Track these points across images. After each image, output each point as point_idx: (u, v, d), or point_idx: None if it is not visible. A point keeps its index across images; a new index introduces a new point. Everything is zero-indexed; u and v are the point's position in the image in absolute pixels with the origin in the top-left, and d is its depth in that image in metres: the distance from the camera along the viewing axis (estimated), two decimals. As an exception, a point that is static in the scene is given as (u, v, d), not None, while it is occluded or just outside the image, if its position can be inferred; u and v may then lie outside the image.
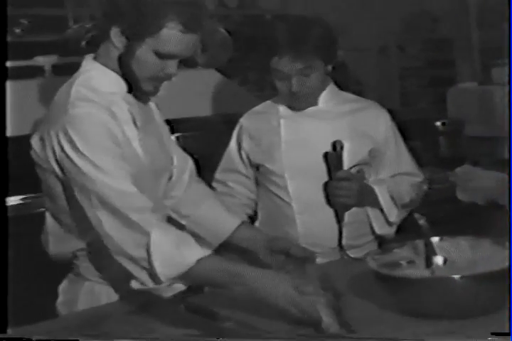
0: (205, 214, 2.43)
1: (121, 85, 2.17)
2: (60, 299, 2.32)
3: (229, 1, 5.85)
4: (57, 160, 2.06)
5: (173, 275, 1.93)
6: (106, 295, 2.25)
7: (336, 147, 2.53)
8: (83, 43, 4.19)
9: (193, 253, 1.93)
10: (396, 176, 2.70)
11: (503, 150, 5.29)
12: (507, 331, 1.71)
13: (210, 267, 1.94)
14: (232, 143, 2.77)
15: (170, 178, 2.38)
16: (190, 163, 2.48)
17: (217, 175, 2.79)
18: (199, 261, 1.92)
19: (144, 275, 1.95)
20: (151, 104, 2.35)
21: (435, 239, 2.08)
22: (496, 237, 2.09)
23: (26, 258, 2.58)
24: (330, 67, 2.59)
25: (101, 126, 2.03)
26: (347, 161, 2.56)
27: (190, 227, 2.42)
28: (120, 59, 2.12)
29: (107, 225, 1.98)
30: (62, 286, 2.32)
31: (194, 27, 2.08)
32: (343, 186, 2.53)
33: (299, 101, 2.62)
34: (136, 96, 2.20)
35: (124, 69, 2.13)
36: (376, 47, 7.63)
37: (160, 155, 2.28)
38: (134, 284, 1.99)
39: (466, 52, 6.53)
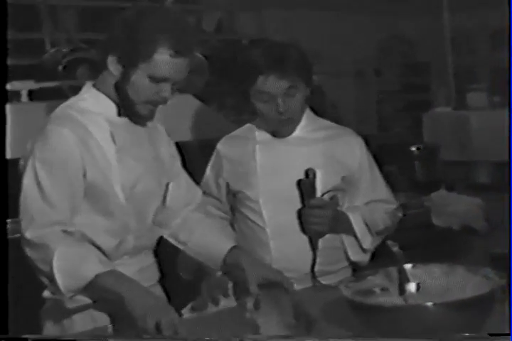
0: (200, 240, 2.46)
1: (110, 108, 2.28)
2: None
3: (206, 25, 5.88)
4: None
5: (73, 288, 2.08)
6: None
7: (309, 175, 2.54)
8: (60, 68, 4.22)
9: (92, 269, 2.06)
10: (371, 203, 2.71)
11: (478, 175, 5.33)
12: (507, 331, 1.72)
13: (106, 283, 2.06)
14: (208, 171, 2.78)
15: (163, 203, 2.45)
16: (198, 197, 2.56)
17: None
18: (98, 276, 2.04)
19: (51, 287, 2.12)
20: (159, 130, 2.46)
21: (408, 266, 2.08)
22: (470, 264, 2.10)
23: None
24: (309, 90, 2.61)
25: (62, 149, 2.19)
26: (320, 188, 2.57)
27: (190, 254, 2.47)
28: (116, 85, 2.25)
29: (24, 241, 2.13)
30: None
31: (184, 51, 2.20)
32: (316, 214, 2.54)
33: (283, 126, 2.62)
34: (131, 120, 2.31)
35: (121, 95, 2.25)
36: (352, 72, 7.69)
37: (146, 180, 2.33)
38: (46, 293, 2.20)
39: (441, 77, 6.59)
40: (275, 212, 2.62)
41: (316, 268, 2.59)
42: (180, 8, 4.84)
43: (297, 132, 2.65)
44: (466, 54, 7.50)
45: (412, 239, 3.24)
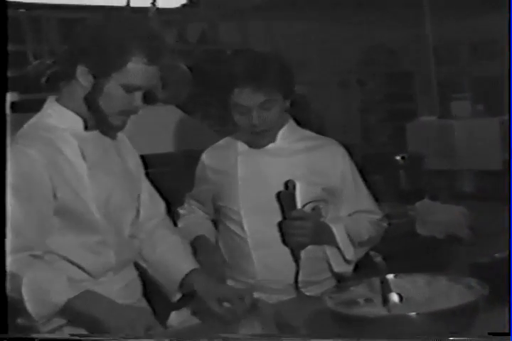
0: (160, 260, 2.44)
1: (75, 122, 2.23)
2: None
3: (189, 36, 5.88)
4: None
5: (45, 315, 2.06)
6: None
7: (289, 186, 2.53)
8: (43, 80, 4.21)
9: (62, 294, 2.04)
10: (354, 214, 2.70)
11: (462, 184, 5.35)
12: (507, 331, 1.72)
13: (78, 307, 2.04)
14: (195, 180, 2.78)
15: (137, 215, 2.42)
16: (161, 210, 2.53)
17: (187, 195, 2.85)
18: (69, 300, 2.03)
19: (24, 314, 2.07)
20: (124, 142, 2.42)
21: (391, 276, 2.08)
22: (452, 274, 2.10)
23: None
24: (288, 103, 2.60)
25: (29, 172, 2.13)
26: (300, 199, 2.55)
27: (150, 272, 2.44)
28: (87, 97, 2.19)
29: None
30: None
31: (157, 58, 2.17)
32: (297, 225, 2.52)
33: (259, 137, 2.61)
34: (102, 132, 2.27)
35: (92, 107, 2.19)
36: (336, 82, 7.71)
37: (118, 193, 2.30)
38: (20, 320, 2.14)
39: (425, 87, 6.61)
40: (256, 223, 2.61)
41: (300, 278, 2.58)
42: (164, 19, 4.84)
43: (279, 143, 2.65)
44: (449, 63, 7.53)
45: (397, 248, 3.24)
